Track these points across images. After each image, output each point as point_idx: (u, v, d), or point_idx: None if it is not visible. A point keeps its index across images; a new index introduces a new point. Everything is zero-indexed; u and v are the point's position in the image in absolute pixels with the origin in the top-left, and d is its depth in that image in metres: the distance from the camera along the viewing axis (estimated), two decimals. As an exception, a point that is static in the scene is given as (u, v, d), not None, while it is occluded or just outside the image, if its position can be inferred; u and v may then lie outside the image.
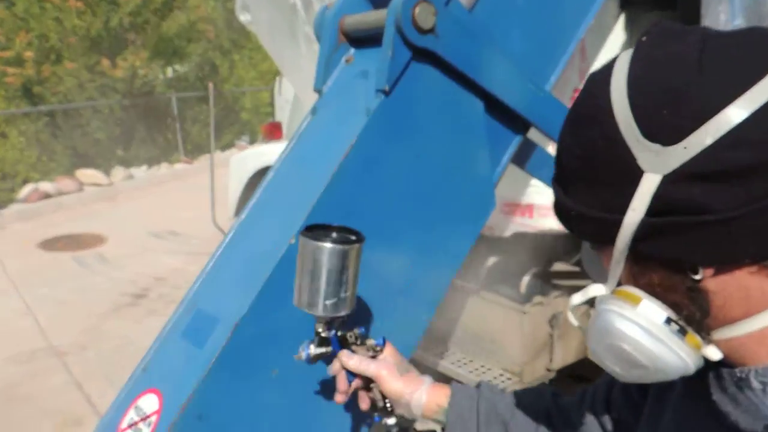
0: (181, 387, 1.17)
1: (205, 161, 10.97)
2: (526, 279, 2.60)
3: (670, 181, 0.63)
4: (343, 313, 1.06)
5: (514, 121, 1.54)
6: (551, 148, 2.23)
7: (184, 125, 11.53)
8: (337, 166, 1.22)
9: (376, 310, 1.28)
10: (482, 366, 2.74)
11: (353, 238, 1.07)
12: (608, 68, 0.68)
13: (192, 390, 1.13)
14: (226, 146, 11.73)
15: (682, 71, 0.62)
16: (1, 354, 4.48)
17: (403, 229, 1.35)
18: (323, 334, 1.09)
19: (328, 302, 1.04)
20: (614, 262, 0.70)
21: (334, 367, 1.09)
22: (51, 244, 6.98)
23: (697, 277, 0.67)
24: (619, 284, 0.73)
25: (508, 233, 2.61)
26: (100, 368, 4.31)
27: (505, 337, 2.64)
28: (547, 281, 2.69)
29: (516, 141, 1.59)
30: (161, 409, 1.17)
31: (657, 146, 0.63)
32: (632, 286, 0.71)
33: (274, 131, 4.36)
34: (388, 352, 1.09)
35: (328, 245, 1.03)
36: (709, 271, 0.66)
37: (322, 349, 1.09)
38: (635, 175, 0.64)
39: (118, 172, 9.72)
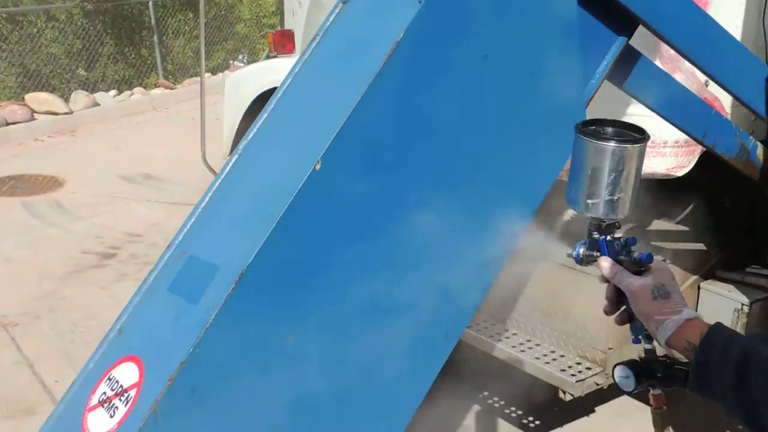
0: (168, 353, 1.17)
1: (190, 86, 10.98)
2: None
3: None
4: (618, 216, 1.25)
5: (616, 16, 1.49)
6: (661, 62, 2.16)
7: (163, 39, 11.53)
8: (378, 68, 1.19)
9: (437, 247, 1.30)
10: (552, 352, 2.74)
11: (635, 135, 1.25)
12: None
13: (184, 357, 1.14)
14: (217, 68, 11.72)
15: None
16: (-68, 323, 4.62)
17: (466, 156, 1.33)
18: (594, 236, 1.28)
19: (608, 201, 1.24)
20: None
21: (600, 276, 1.27)
22: (-5, 187, 7.12)
23: None
24: None
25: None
26: (56, 345, 4.41)
27: (586, 315, 2.62)
28: (645, 242, 2.64)
29: (617, 45, 1.54)
30: (142, 381, 1.18)
31: None
32: None
33: (284, 42, 4.31)
34: (656, 269, 1.23)
35: (610, 145, 1.22)
36: None
37: (592, 253, 1.29)
38: None
39: (79, 97, 9.80)
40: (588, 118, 1.42)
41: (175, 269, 1.30)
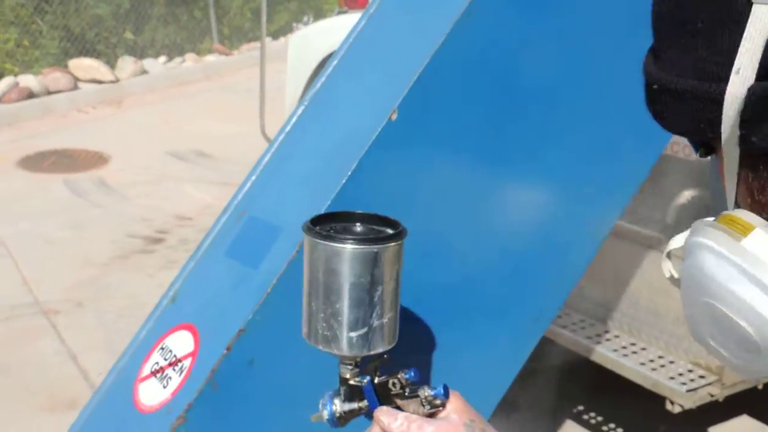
0: (226, 321, 1.24)
1: (248, 52, 11.19)
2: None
3: None
4: (379, 349, 1.06)
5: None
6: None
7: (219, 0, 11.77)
8: (465, 6, 1.22)
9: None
10: (661, 357, 2.73)
11: (387, 231, 1.04)
12: None
13: (242, 325, 1.20)
14: (278, 32, 11.89)
15: None
16: (-31, 308, 4.88)
17: (561, 113, 1.36)
18: (352, 382, 1.07)
19: (353, 335, 1.03)
20: (727, 170, 0.70)
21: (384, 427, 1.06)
22: (35, 163, 7.43)
23: None
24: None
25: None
26: (100, 335, 4.60)
27: (700, 315, 2.59)
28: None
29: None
30: (197, 350, 1.25)
31: None
32: (748, 209, 0.70)
33: (357, -5, 4.38)
34: (454, 406, 1.07)
35: (348, 246, 1.00)
36: None
37: (353, 405, 1.07)
38: (740, 10, 0.64)
39: (126, 64, 10.13)
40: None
41: (233, 232, 1.37)
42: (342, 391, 1.08)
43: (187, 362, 1.25)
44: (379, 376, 1.07)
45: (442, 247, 1.31)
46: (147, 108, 9.17)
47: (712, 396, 2.61)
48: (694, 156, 2.59)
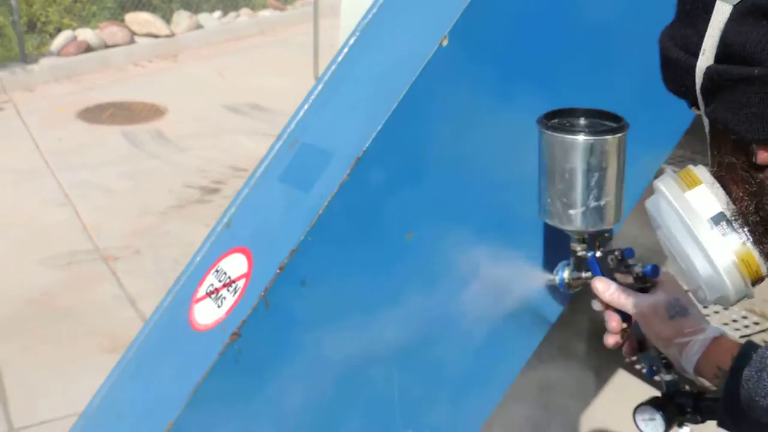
0: (278, 243, 1.28)
1: (302, 7, 11.17)
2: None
3: (738, 14, 0.74)
4: (604, 226, 1.19)
5: None
6: None
7: (274, -47, 11.75)
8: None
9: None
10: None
11: (612, 124, 1.18)
12: None
13: (294, 246, 1.23)
14: (334, -14, 11.82)
15: None
16: (32, 254, 5.02)
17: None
18: (580, 254, 1.23)
19: (586, 211, 1.18)
20: (706, 131, 0.82)
21: (596, 303, 1.21)
22: (94, 115, 7.58)
23: (754, 159, 0.76)
24: None
25: None
26: (158, 281, 4.70)
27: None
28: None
29: None
30: (251, 272, 1.29)
31: None
32: (715, 168, 0.83)
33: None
34: (663, 283, 1.17)
35: (580, 138, 1.15)
36: (764, 154, 0.75)
37: (580, 274, 1.23)
38: (710, 2, 0.77)
39: (182, 19, 10.20)
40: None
41: (286, 159, 1.40)
42: (571, 262, 1.26)
43: (240, 283, 1.29)
44: (602, 251, 1.22)
45: (491, 168, 1.32)
46: (202, 62, 9.25)
47: (766, 342, 2.59)
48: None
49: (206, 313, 1.32)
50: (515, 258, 1.35)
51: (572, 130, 1.19)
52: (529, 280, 1.38)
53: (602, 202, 1.18)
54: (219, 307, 1.30)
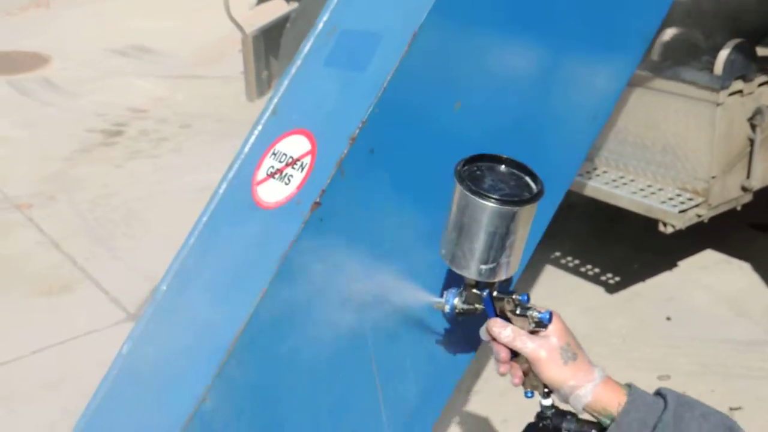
0: (341, 119, 1.35)
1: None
2: (723, 55, 2.70)
3: None
4: (502, 278, 1.24)
5: None
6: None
7: None
8: None
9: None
10: (649, 186, 2.93)
11: (526, 191, 1.18)
12: None
13: (361, 120, 1.31)
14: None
15: None
16: (-62, 208, 4.82)
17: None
18: (474, 290, 1.27)
19: (483, 267, 1.21)
20: None
21: (485, 334, 1.29)
22: (-28, 67, 7.22)
23: None
24: None
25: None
26: (78, 224, 4.63)
27: (687, 142, 2.79)
28: (751, 60, 2.78)
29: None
30: (316, 148, 1.35)
31: None
32: None
33: None
34: (555, 329, 1.25)
35: (491, 205, 1.15)
36: None
37: (471, 306, 1.28)
38: None
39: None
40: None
41: (327, 46, 1.46)
42: (464, 294, 1.29)
43: (306, 160, 1.36)
44: (497, 291, 1.26)
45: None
46: (76, 7, 8.88)
47: (699, 216, 2.83)
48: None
49: (273, 192, 1.38)
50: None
51: (484, 191, 1.17)
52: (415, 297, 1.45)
53: (502, 261, 1.21)
54: (287, 184, 1.36)
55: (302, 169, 1.35)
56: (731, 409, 2.89)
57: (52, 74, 6.97)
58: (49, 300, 3.93)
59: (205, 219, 1.45)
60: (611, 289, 3.70)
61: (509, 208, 1.16)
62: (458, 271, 1.25)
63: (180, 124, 5.87)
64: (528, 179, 1.22)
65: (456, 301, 1.30)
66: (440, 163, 1.41)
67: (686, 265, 3.83)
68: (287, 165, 1.38)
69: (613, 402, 1.22)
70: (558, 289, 3.73)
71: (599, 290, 3.70)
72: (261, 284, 1.29)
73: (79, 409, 1.60)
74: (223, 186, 1.46)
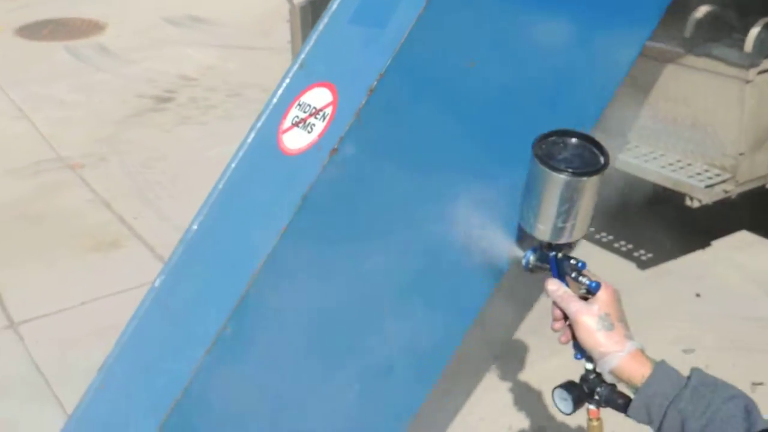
0: (362, 73, 1.45)
1: None
2: (753, 33, 2.73)
3: None
4: (564, 241, 1.37)
5: None
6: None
7: None
8: None
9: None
10: (678, 161, 2.97)
11: (596, 162, 1.30)
12: None
13: (381, 70, 1.40)
14: None
15: None
16: (-5, 166, 5.02)
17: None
18: (544, 250, 1.41)
19: (550, 227, 1.34)
20: None
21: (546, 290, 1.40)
22: (33, 31, 7.44)
23: None
24: None
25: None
26: (128, 184, 4.80)
27: (716, 119, 2.83)
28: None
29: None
30: (337, 99, 1.46)
31: None
32: None
33: None
34: (602, 297, 1.35)
35: (562, 177, 1.28)
36: None
37: (542, 264, 1.41)
38: None
39: (107, -65, 9.92)
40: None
41: (352, 4, 1.55)
42: (539, 252, 1.43)
43: (328, 110, 1.46)
44: (562, 253, 1.39)
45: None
46: (133, -23, 9.07)
47: (726, 192, 2.87)
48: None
49: (297, 139, 1.49)
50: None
51: (556, 162, 1.30)
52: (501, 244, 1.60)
53: (568, 224, 1.33)
54: (309, 132, 1.47)
55: (324, 119, 1.46)
56: (753, 384, 2.93)
57: (107, 41, 7.17)
58: (98, 255, 4.10)
59: (233, 165, 1.56)
60: (643, 265, 3.74)
61: (578, 178, 1.29)
62: (530, 233, 1.39)
63: (228, 93, 6.01)
64: (597, 151, 1.34)
65: (532, 257, 1.44)
66: (453, 117, 1.51)
67: (719, 244, 3.85)
68: (310, 115, 1.48)
69: (638, 374, 1.30)
70: (590, 264, 3.77)
71: (631, 266, 3.75)
72: (282, 222, 1.40)
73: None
74: (252, 135, 1.57)
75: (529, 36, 1.58)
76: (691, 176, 2.87)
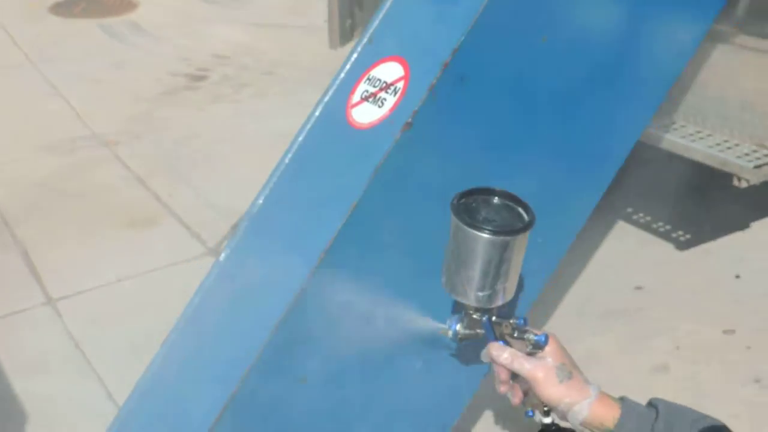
0: (434, 48, 1.45)
1: None
2: (807, 12, 2.69)
3: None
4: (498, 304, 1.34)
5: None
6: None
7: None
8: None
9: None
10: (725, 141, 2.94)
11: (519, 221, 1.27)
12: None
13: (455, 46, 1.40)
14: None
15: None
16: (31, 141, 5.05)
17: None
18: (474, 316, 1.38)
19: (480, 294, 1.31)
20: None
21: (486, 357, 1.38)
22: (66, 9, 7.46)
23: None
24: None
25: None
26: (162, 161, 4.81)
27: (766, 99, 2.79)
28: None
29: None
30: (409, 74, 1.45)
31: None
32: None
33: None
34: (551, 350, 1.33)
35: (485, 236, 1.24)
36: None
37: (472, 332, 1.40)
38: None
39: None
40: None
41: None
42: (465, 320, 1.42)
43: (400, 84, 1.45)
44: (496, 316, 1.38)
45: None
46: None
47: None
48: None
49: (366, 114, 1.48)
50: None
51: (479, 222, 1.28)
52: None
53: (498, 288, 1.31)
54: (380, 107, 1.46)
55: (395, 93, 1.45)
56: (792, 364, 2.91)
57: (140, 19, 7.18)
58: (134, 232, 4.12)
59: (300, 139, 1.56)
60: (681, 246, 3.72)
61: (502, 238, 1.26)
62: (458, 299, 1.36)
63: (262, 71, 6.01)
64: (520, 210, 1.32)
65: (458, 326, 1.43)
66: (526, 93, 1.50)
67: (759, 226, 3.82)
68: (381, 89, 1.48)
69: (608, 416, 1.31)
70: (629, 244, 3.77)
71: (669, 247, 3.72)
72: (353, 197, 1.40)
73: (161, 334, 1.72)
74: (319, 109, 1.56)
75: (600, 12, 1.57)
76: (739, 156, 2.84)
